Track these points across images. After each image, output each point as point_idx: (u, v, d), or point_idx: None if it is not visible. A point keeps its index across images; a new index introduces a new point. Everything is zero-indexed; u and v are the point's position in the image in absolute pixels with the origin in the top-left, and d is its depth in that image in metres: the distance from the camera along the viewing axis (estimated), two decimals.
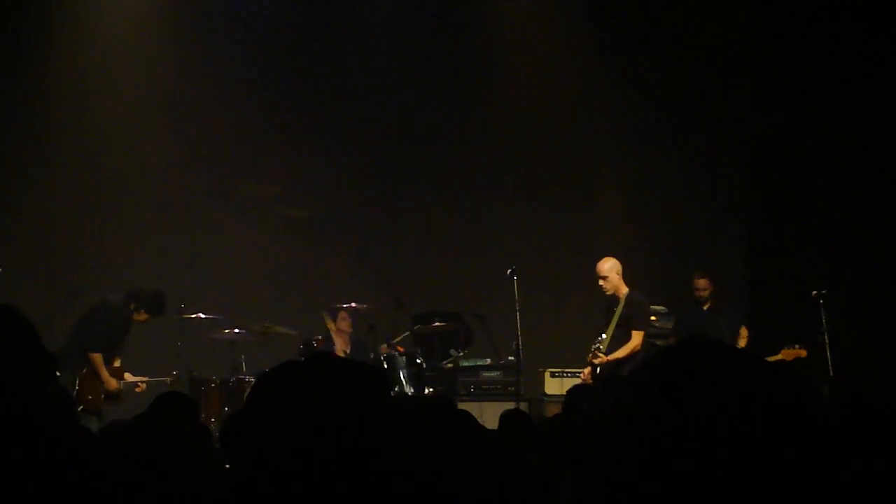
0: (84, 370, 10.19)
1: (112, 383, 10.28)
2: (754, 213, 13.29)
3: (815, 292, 10.47)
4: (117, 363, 10.52)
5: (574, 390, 6.01)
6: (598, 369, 9.94)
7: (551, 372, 11.68)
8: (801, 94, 12.51)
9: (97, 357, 10.22)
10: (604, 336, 10.11)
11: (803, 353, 10.34)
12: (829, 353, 10.23)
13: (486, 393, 11.60)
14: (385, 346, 11.47)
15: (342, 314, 11.35)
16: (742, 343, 10.75)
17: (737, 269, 13.16)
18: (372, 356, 11.22)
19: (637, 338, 9.87)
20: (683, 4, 13.19)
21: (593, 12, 13.37)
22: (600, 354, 9.93)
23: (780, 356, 10.28)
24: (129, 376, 10.50)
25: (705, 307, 11.02)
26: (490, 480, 4.47)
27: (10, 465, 2.27)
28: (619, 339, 9.94)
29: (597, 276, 10.15)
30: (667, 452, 1.48)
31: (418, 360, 11.38)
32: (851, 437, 3.46)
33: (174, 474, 3.73)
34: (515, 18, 13.62)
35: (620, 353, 9.81)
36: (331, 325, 11.38)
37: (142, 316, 10.49)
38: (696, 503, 1.46)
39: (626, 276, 10.22)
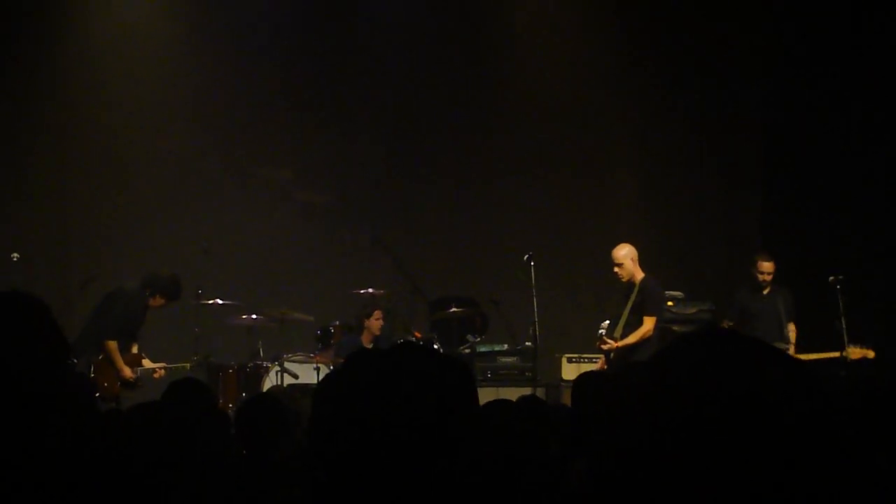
0: (99, 357, 10.22)
1: (127, 371, 10.28)
2: (770, 199, 13.24)
3: (832, 277, 10.41)
4: (135, 349, 10.54)
5: (583, 377, 5.99)
6: (612, 355, 9.94)
7: (568, 357, 11.69)
8: (816, 79, 12.44)
9: (112, 345, 10.23)
10: (608, 322, 10.12)
11: (871, 353, 10.13)
12: (846, 339, 10.18)
13: (503, 378, 11.59)
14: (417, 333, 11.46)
15: (377, 313, 11.28)
16: (791, 335, 10.53)
17: (752, 255, 13.11)
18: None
19: (648, 323, 9.84)
20: None
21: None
22: (608, 340, 9.92)
23: (845, 353, 10.15)
24: (147, 362, 10.51)
25: (765, 291, 10.71)
26: (504, 466, 4.47)
27: (30, 447, 2.29)
28: (633, 324, 9.91)
29: (612, 263, 10.13)
30: (677, 442, 1.48)
31: (435, 346, 11.39)
32: (866, 426, 3.44)
33: (190, 459, 3.75)
34: (531, 7, 13.58)
35: (631, 338, 9.80)
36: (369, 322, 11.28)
37: (158, 301, 10.48)
38: (704, 493, 1.46)
39: (642, 262, 10.20)
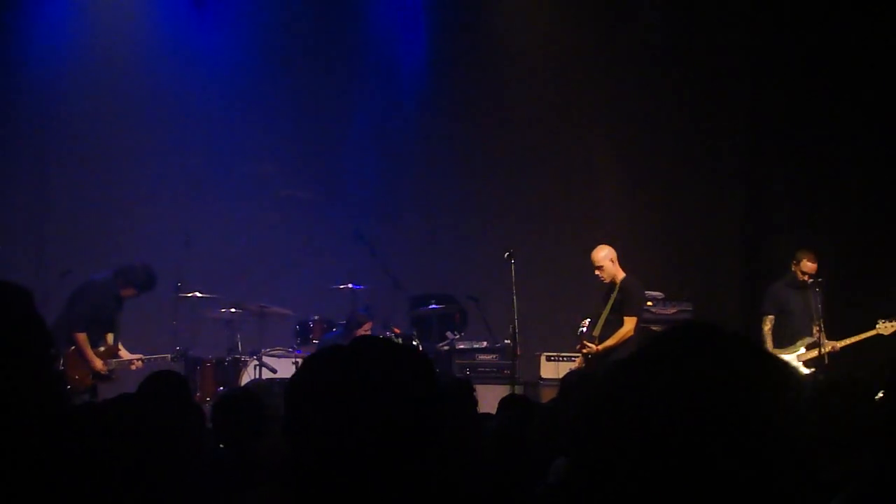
0: (70, 349, 10.13)
1: (97, 363, 10.18)
2: (751, 200, 13.26)
3: (811, 281, 10.45)
4: (110, 340, 10.45)
5: (570, 376, 6.01)
6: (590, 355, 9.94)
7: (547, 356, 11.68)
8: (801, 82, 12.49)
9: (81, 336, 10.13)
10: (588, 321, 10.11)
11: None
12: (824, 340, 10.22)
13: (482, 376, 11.56)
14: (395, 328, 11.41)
15: (367, 325, 11.18)
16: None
17: (735, 256, 13.17)
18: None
19: (629, 324, 9.85)
20: None
21: None
22: (589, 345, 9.91)
23: (875, 331, 10.15)
24: (124, 353, 10.44)
25: (803, 288, 10.54)
26: (489, 463, 4.47)
27: (11, 440, 2.26)
28: (613, 323, 9.92)
29: (592, 266, 10.13)
30: (654, 439, 1.47)
31: (414, 343, 11.36)
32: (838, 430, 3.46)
33: (164, 452, 3.72)
34: (517, 13, 13.59)
35: (611, 340, 9.81)
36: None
37: (129, 291, 10.39)
38: (681, 489, 1.45)
39: (623, 262, 10.20)
